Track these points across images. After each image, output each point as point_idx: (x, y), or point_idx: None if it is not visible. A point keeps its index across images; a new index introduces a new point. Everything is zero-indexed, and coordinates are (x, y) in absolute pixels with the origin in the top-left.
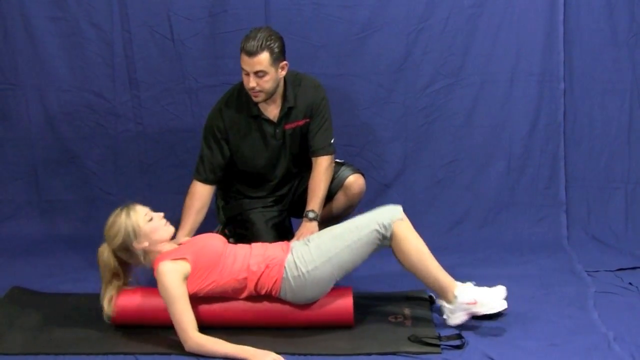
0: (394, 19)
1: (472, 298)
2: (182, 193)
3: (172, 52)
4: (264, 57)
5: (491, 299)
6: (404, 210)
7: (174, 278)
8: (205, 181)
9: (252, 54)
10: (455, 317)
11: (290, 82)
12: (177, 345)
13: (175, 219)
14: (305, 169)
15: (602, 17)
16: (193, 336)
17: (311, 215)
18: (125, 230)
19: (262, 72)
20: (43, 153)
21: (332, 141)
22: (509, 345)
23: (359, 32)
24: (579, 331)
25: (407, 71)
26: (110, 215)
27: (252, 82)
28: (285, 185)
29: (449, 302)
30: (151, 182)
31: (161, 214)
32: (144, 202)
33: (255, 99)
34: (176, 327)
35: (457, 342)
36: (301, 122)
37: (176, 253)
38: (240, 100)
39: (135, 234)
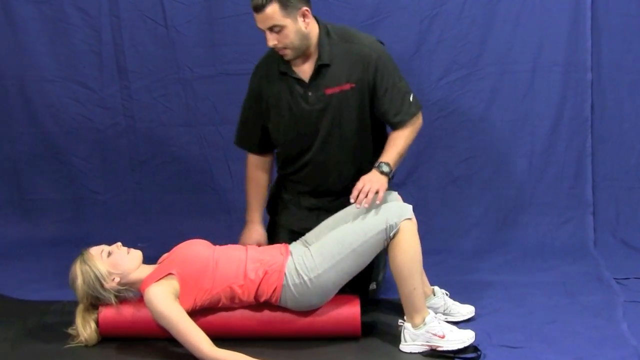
0: (405, 4)
1: (441, 331)
2: (176, 192)
3: (165, 39)
4: (273, 9)
5: (459, 338)
6: (416, 211)
7: (165, 300)
8: (249, 149)
9: (259, 8)
10: (414, 344)
11: (328, 36)
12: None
13: (171, 220)
14: (367, 162)
15: (634, 1)
16: (210, 352)
17: (384, 168)
18: (87, 279)
19: (277, 26)
20: (25, 148)
21: (411, 99)
22: (530, 358)
23: (366, 18)
24: (606, 344)
25: (420, 61)
26: (69, 274)
27: (271, 40)
28: (335, 178)
29: (414, 325)
30: (142, 181)
31: (119, 244)
32: (135, 202)
33: (285, 57)
34: (188, 348)
35: (472, 355)
36: (346, 87)
37: (159, 272)
38: (275, 55)
39: (100, 276)
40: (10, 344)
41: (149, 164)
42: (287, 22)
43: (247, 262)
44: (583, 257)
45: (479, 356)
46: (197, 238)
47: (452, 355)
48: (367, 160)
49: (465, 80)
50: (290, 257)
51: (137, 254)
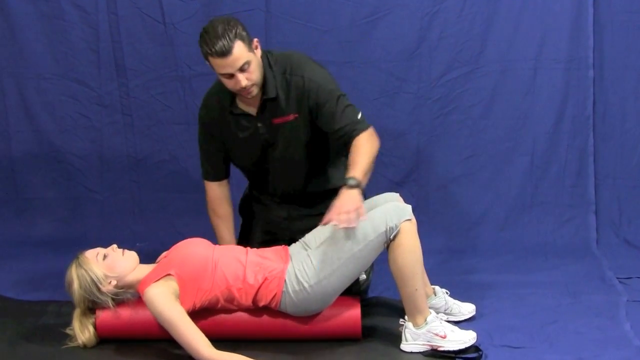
0: (406, 1)
1: (442, 331)
2: (174, 191)
3: (163, 36)
4: (240, 47)
5: (460, 338)
6: (416, 210)
7: (165, 301)
8: (211, 179)
9: (226, 52)
10: (415, 344)
11: (270, 67)
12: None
13: (169, 219)
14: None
15: None
16: (208, 354)
17: (351, 182)
18: (83, 283)
19: (246, 63)
20: (21, 147)
21: (359, 117)
22: (532, 359)
23: (367, 15)
24: (609, 344)
25: (421, 58)
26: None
27: (242, 81)
28: (294, 197)
29: (416, 325)
30: (140, 179)
31: (114, 246)
32: (133, 201)
33: (249, 96)
34: (186, 349)
35: (473, 355)
36: (290, 118)
37: (158, 272)
38: (221, 91)
39: (96, 280)
40: (6, 345)
41: (147, 162)
42: (251, 56)
43: (246, 265)
44: (585, 257)
45: (480, 356)
46: (195, 237)
47: (453, 355)
48: (327, 165)
49: (466, 78)
50: (290, 263)
51: (132, 256)
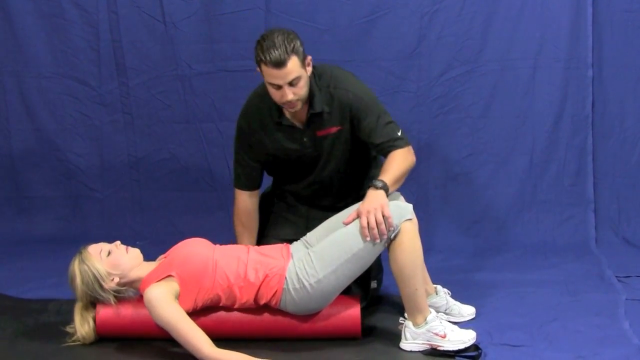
0: (405, 0)
1: (442, 330)
2: (174, 189)
3: (163, 35)
4: (294, 62)
5: (460, 338)
6: (416, 208)
7: (165, 302)
8: (244, 188)
9: (281, 64)
10: (415, 343)
11: (316, 82)
12: (169, 356)
13: (170, 218)
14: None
15: None
16: (210, 353)
17: (379, 183)
18: (85, 279)
19: (297, 78)
20: (22, 145)
21: (399, 134)
22: (532, 357)
23: (367, 14)
24: (608, 342)
25: (420, 57)
26: (68, 272)
27: (289, 95)
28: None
29: (416, 324)
30: (140, 178)
31: (118, 242)
32: (133, 200)
33: (292, 110)
34: (188, 349)
35: (473, 354)
36: (334, 130)
37: (159, 272)
38: (264, 101)
39: (99, 276)
40: (7, 343)
41: (147, 161)
42: (302, 72)
43: (247, 263)
44: (584, 255)
45: (479, 355)
46: (196, 236)
47: (452, 354)
48: (365, 176)
49: (465, 77)
50: (291, 261)
51: (136, 253)
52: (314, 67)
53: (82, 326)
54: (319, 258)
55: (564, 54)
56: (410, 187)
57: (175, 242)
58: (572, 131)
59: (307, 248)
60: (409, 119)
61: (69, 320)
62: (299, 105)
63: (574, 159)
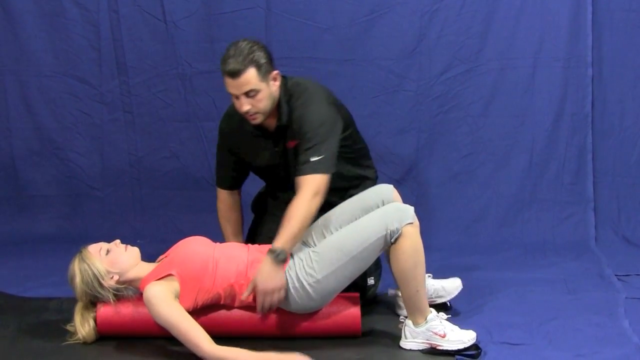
0: None
1: (442, 330)
2: (175, 188)
3: (164, 34)
4: (251, 74)
5: (460, 338)
6: (416, 207)
7: (165, 301)
8: (223, 187)
9: (235, 74)
10: (415, 342)
11: (285, 94)
12: (169, 354)
13: (170, 216)
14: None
15: None
16: (211, 351)
17: (277, 253)
18: (85, 277)
19: (253, 90)
20: (22, 144)
21: (315, 158)
22: (531, 356)
23: (367, 13)
24: (608, 341)
25: (420, 56)
26: (68, 272)
27: (245, 106)
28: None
29: (416, 323)
30: (141, 177)
31: (117, 241)
32: (133, 199)
33: (253, 122)
34: (188, 346)
35: (472, 352)
36: (293, 144)
37: (159, 271)
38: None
39: (99, 275)
40: (8, 341)
41: (147, 159)
42: (262, 86)
43: (248, 261)
44: (584, 254)
45: (479, 354)
46: (196, 235)
47: (452, 352)
48: (348, 176)
49: (465, 75)
50: (291, 260)
51: (134, 251)
52: (290, 79)
53: (83, 326)
54: (319, 259)
55: (564, 53)
56: (410, 185)
57: (176, 241)
58: (572, 130)
59: (307, 248)
60: (408, 117)
61: (70, 318)
62: (258, 118)
63: (574, 157)
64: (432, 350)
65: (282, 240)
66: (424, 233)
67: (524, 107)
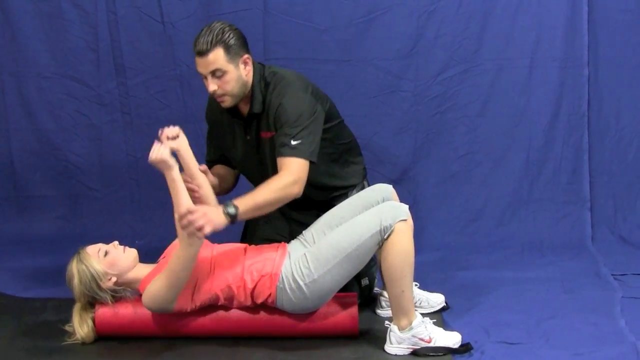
0: None
1: (427, 335)
2: None
3: (162, 35)
4: (218, 53)
5: (445, 343)
6: (413, 207)
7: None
8: (212, 162)
9: (202, 53)
10: (399, 347)
11: (262, 83)
12: (167, 356)
13: (168, 217)
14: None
15: None
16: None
17: (231, 210)
18: (83, 278)
19: (219, 70)
20: (21, 145)
21: (294, 142)
22: (528, 355)
23: (365, 14)
24: (604, 340)
25: (418, 56)
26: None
27: (211, 85)
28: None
29: (401, 328)
30: (139, 178)
31: (115, 243)
32: (132, 199)
33: (222, 105)
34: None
35: (462, 345)
36: (269, 135)
37: (158, 272)
38: None
39: (97, 276)
40: (7, 341)
41: (146, 160)
42: (229, 67)
43: (244, 262)
44: (581, 253)
45: (469, 349)
46: None
47: (444, 352)
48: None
49: (462, 76)
50: (287, 260)
51: (132, 253)
52: (269, 68)
53: (81, 327)
54: (314, 258)
55: (560, 53)
56: (407, 185)
57: (174, 241)
58: (569, 130)
59: (304, 247)
60: (406, 118)
61: (69, 318)
62: (227, 101)
63: (570, 157)
64: (424, 350)
65: (243, 203)
66: (422, 232)
67: (521, 107)
